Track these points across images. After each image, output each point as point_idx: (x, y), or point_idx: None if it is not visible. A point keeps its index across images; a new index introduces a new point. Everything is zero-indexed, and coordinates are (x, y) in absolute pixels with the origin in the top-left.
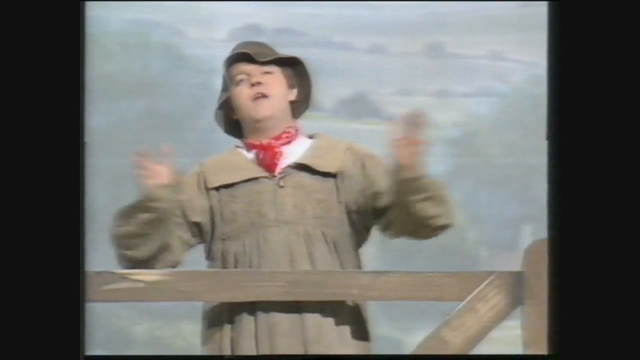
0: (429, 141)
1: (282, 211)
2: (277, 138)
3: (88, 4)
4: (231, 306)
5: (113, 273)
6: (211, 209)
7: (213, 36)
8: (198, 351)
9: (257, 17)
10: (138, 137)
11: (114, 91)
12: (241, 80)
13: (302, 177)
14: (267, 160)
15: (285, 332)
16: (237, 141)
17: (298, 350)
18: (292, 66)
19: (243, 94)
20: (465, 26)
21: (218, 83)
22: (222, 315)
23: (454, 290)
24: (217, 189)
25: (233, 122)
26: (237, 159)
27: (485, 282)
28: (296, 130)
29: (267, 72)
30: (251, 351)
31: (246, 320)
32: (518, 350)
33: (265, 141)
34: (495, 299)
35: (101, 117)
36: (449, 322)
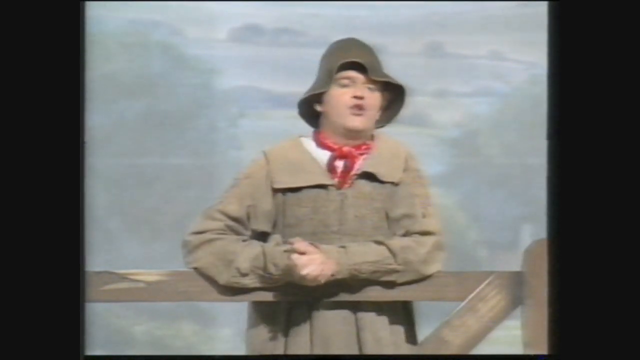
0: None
1: (345, 222)
2: (358, 148)
3: (88, 4)
4: (290, 304)
5: (113, 273)
6: (275, 211)
7: (213, 36)
8: (198, 351)
9: (257, 17)
10: (138, 137)
11: (114, 91)
12: (345, 85)
13: (363, 184)
14: (346, 168)
15: (339, 333)
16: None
17: (352, 351)
18: (390, 88)
19: (343, 99)
20: (465, 26)
21: (218, 83)
22: (278, 312)
23: (454, 290)
24: (282, 190)
25: (311, 111)
26: (304, 157)
27: (485, 282)
28: (371, 142)
29: (370, 87)
30: (305, 350)
31: (302, 319)
32: (518, 350)
33: (345, 148)
34: (495, 299)
35: (101, 117)
36: (449, 322)
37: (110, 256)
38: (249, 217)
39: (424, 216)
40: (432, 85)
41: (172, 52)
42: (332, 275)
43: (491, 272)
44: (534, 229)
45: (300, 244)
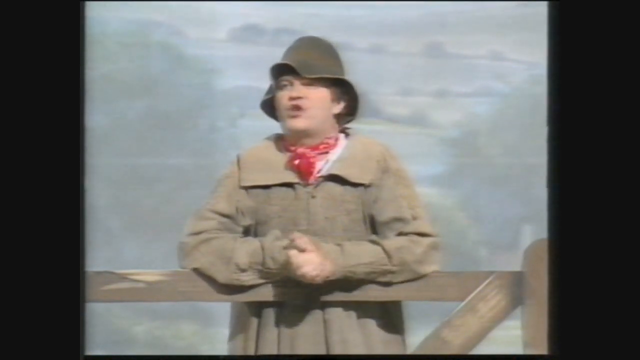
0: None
1: (314, 222)
2: (314, 148)
3: (88, 4)
4: (259, 304)
5: (113, 273)
6: (255, 207)
7: (213, 36)
8: (198, 351)
9: (257, 17)
10: (138, 137)
11: (114, 91)
12: (284, 86)
13: (333, 186)
14: (302, 168)
15: (306, 334)
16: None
17: (319, 351)
18: (339, 82)
19: (282, 101)
20: (465, 26)
21: (218, 83)
22: (250, 313)
23: (454, 290)
24: (254, 187)
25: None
26: (274, 156)
27: (485, 282)
28: (336, 140)
29: (309, 84)
30: (273, 350)
31: (271, 320)
32: (518, 350)
33: (300, 149)
34: (495, 299)
35: (101, 117)
36: (449, 322)
37: (110, 256)
38: (237, 213)
39: (414, 218)
40: (432, 85)
41: (172, 52)
42: (328, 277)
43: (491, 272)
44: (534, 229)
45: (300, 240)
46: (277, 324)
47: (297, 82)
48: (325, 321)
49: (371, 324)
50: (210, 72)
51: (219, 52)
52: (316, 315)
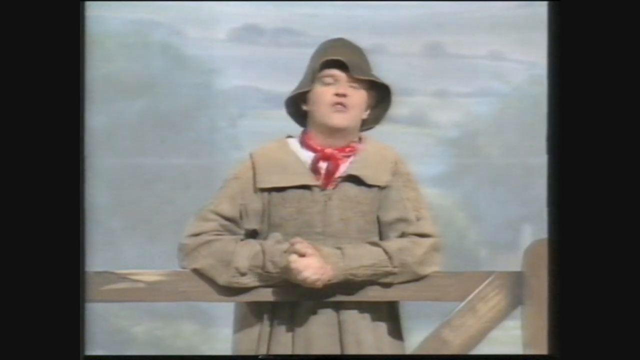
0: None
1: (329, 224)
2: (341, 150)
3: (88, 4)
4: (268, 305)
5: (113, 273)
6: (263, 210)
7: (213, 36)
8: (198, 351)
9: (257, 17)
10: (138, 137)
11: (114, 91)
12: (328, 83)
13: (349, 187)
14: (329, 170)
15: (320, 335)
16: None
17: (334, 351)
18: (377, 88)
19: (325, 97)
20: (465, 26)
21: (218, 83)
22: (259, 314)
23: (454, 290)
24: (268, 190)
25: (300, 111)
26: (289, 158)
27: (485, 282)
28: (356, 144)
29: (354, 85)
30: (287, 349)
31: (284, 322)
32: (518, 350)
33: (328, 150)
34: (495, 299)
35: (101, 117)
36: (449, 322)
37: (110, 256)
38: (241, 216)
39: (418, 219)
40: (432, 85)
41: (172, 52)
42: (329, 280)
43: (491, 272)
44: (534, 229)
45: (300, 245)
46: (291, 324)
47: (342, 80)
48: (340, 322)
49: (382, 327)
50: (210, 72)
51: (219, 52)
52: (330, 316)
